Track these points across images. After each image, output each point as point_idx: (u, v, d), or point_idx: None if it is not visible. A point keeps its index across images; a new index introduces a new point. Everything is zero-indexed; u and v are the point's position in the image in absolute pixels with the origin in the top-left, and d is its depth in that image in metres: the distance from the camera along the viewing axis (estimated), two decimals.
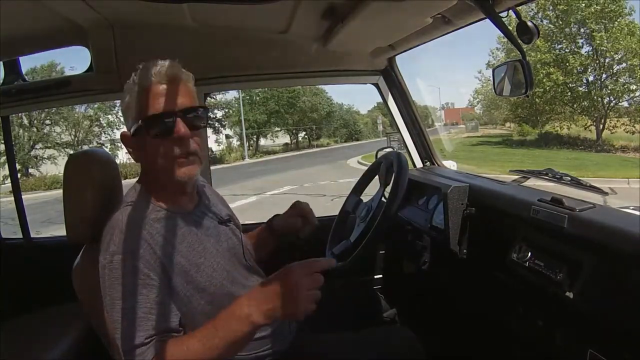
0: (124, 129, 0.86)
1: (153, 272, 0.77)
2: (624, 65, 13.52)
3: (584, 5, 13.33)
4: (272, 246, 1.15)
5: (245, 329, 0.72)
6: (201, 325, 0.76)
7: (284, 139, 24.72)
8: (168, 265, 0.79)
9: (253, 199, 9.25)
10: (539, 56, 13.77)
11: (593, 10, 13.19)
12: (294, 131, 24.41)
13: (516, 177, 1.25)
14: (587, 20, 13.43)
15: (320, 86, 19.91)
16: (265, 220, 1.19)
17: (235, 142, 23.09)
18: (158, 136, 0.80)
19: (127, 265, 0.75)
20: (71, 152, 8.68)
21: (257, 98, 22.00)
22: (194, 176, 0.85)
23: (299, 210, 1.13)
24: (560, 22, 13.98)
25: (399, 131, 1.68)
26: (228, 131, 22.74)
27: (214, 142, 21.28)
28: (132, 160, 0.86)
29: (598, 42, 13.35)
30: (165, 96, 0.80)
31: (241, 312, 0.72)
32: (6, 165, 1.90)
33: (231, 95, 21.92)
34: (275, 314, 0.72)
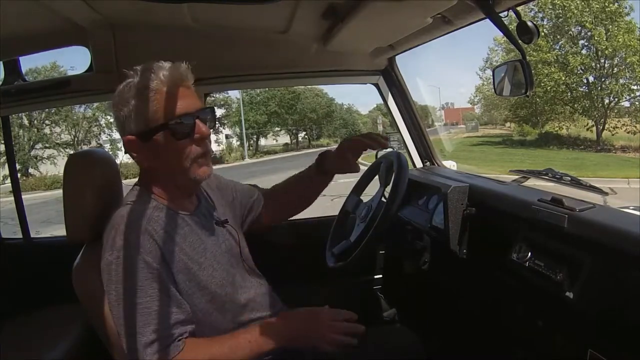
0: None
1: (160, 266, 0.77)
2: (623, 66, 13.51)
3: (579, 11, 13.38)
4: (321, 188, 1.19)
5: (255, 353, 0.80)
6: (200, 322, 0.80)
7: (284, 139, 24.70)
8: (171, 262, 0.79)
9: None
10: (540, 55, 13.76)
11: (595, 8, 13.20)
12: (294, 131, 24.38)
13: (516, 177, 1.25)
14: (586, 23, 13.44)
15: (320, 86, 19.90)
16: None
17: (235, 142, 23.08)
18: (181, 138, 0.81)
19: (135, 260, 0.76)
20: (71, 152, 8.68)
21: (259, 98, 21.96)
22: (210, 175, 0.86)
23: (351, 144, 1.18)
24: (560, 21, 14.00)
25: (399, 131, 1.68)
26: (228, 131, 22.73)
27: (214, 142, 21.02)
28: (132, 160, 0.86)
29: (597, 39, 13.34)
30: (182, 98, 0.81)
31: (252, 340, 0.80)
32: (6, 165, 1.90)
33: (231, 94, 21.94)
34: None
